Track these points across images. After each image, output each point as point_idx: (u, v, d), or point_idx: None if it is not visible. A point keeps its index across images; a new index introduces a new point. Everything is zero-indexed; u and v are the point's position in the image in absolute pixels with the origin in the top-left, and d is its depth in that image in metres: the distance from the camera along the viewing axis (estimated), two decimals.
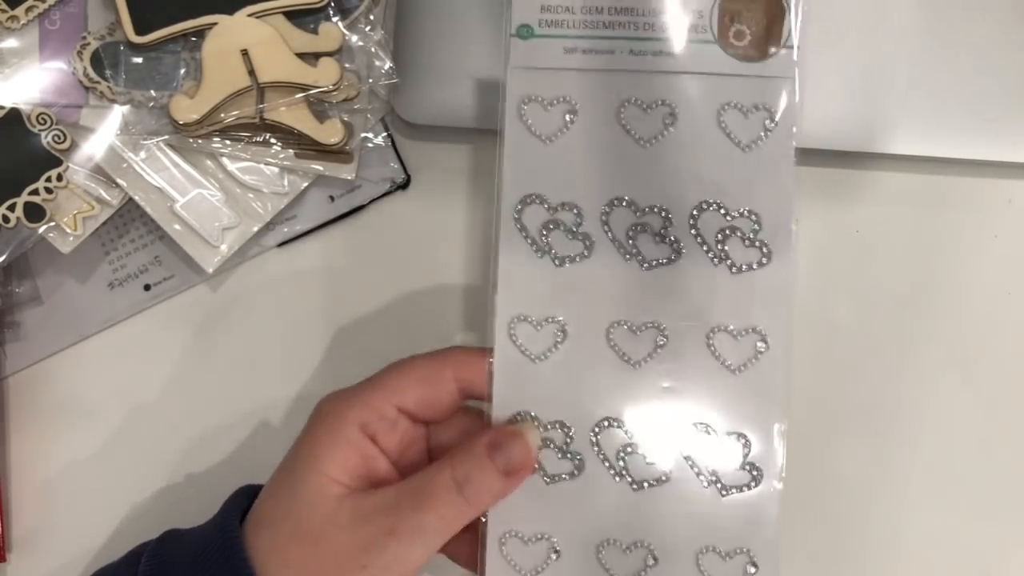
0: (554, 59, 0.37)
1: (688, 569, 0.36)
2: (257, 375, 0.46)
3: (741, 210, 0.37)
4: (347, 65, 0.44)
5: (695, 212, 0.37)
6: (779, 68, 0.36)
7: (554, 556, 0.36)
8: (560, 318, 0.37)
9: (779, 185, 0.36)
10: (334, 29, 0.44)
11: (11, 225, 0.42)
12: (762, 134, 0.36)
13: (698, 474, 0.37)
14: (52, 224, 0.42)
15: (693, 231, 0.37)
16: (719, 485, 0.36)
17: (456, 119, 0.45)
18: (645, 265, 0.37)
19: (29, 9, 0.43)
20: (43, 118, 0.42)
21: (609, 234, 0.37)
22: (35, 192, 0.42)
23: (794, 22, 0.36)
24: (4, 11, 0.43)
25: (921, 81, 0.45)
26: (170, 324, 0.46)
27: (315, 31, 0.43)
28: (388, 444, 0.36)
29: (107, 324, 0.46)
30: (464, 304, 0.46)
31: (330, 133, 0.43)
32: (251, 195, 0.45)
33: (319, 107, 0.44)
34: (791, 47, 0.36)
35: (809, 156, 0.45)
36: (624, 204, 0.37)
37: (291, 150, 0.44)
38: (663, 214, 0.37)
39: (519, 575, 0.37)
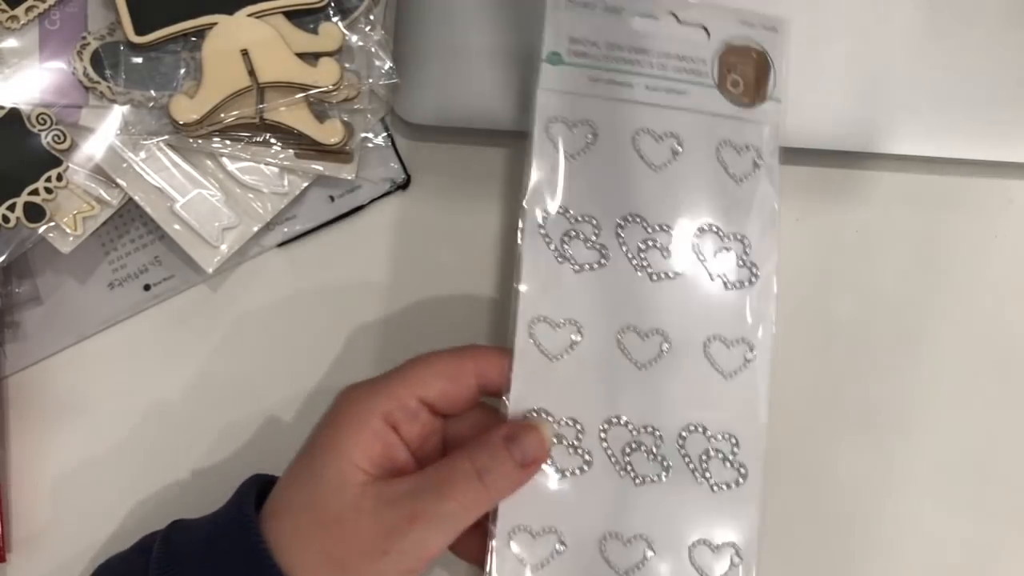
0: (580, 86, 0.41)
1: (681, 561, 0.39)
2: (257, 375, 0.46)
3: (735, 234, 0.41)
4: (347, 65, 0.44)
5: (697, 233, 0.41)
6: (766, 115, 0.41)
7: (560, 548, 0.38)
8: (577, 320, 0.39)
9: (765, 214, 0.41)
10: (334, 29, 0.44)
11: (11, 225, 0.42)
12: (752, 170, 0.41)
13: (693, 471, 0.39)
14: (52, 224, 0.42)
15: (694, 251, 0.40)
16: (711, 482, 0.39)
17: (456, 119, 0.45)
18: (654, 277, 0.40)
19: (29, 9, 0.43)
20: (43, 118, 0.42)
21: (623, 247, 0.40)
22: (35, 192, 0.42)
23: (776, 79, 0.42)
24: (4, 11, 0.43)
25: (921, 81, 0.45)
26: (170, 324, 0.46)
27: (315, 31, 0.43)
28: (409, 435, 0.37)
29: (107, 324, 0.46)
30: (464, 303, 0.46)
31: (330, 133, 0.43)
32: (251, 195, 0.45)
33: (319, 107, 0.44)
34: (776, 100, 0.42)
35: (809, 156, 0.45)
36: (636, 220, 0.40)
37: (291, 150, 0.44)
38: (670, 231, 0.40)
39: (525, 568, 0.38)
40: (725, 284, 0.40)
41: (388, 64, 0.45)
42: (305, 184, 0.45)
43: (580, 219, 0.40)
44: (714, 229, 0.40)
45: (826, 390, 0.46)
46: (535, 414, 0.38)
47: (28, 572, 0.45)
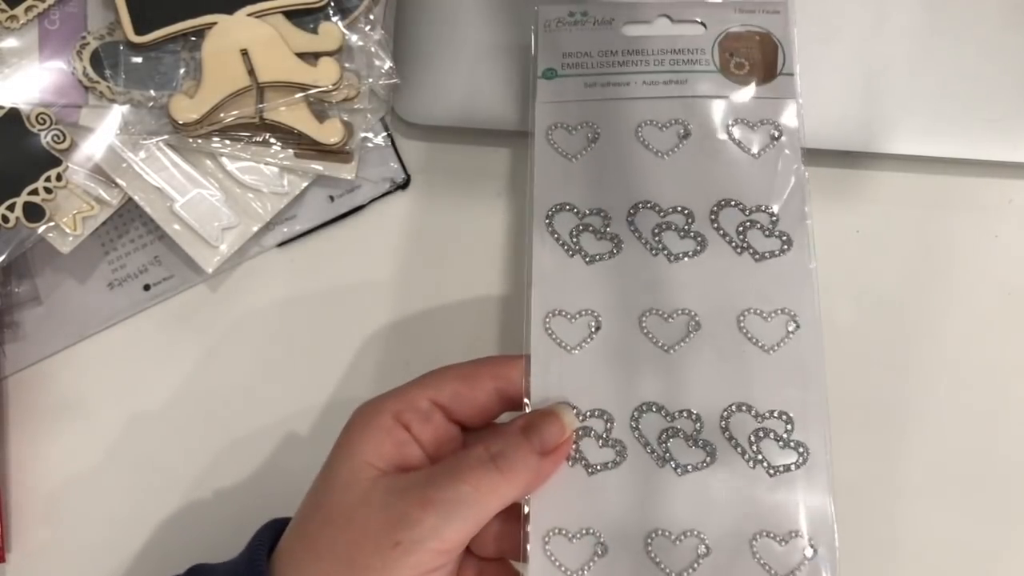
0: (576, 93, 0.41)
1: (743, 557, 0.36)
2: (256, 375, 0.46)
3: (758, 206, 0.39)
4: (347, 65, 0.44)
5: (715, 209, 0.39)
6: (779, 90, 0.41)
7: (601, 551, 0.36)
8: (594, 310, 0.38)
9: (790, 182, 0.40)
10: (334, 29, 0.44)
11: (11, 225, 0.42)
12: (770, 143, 0.40)
13: (743, 454, 0.37)
14: (52, 224, 0.42)
15: (715, 226, 0.39)
16: (765, 465, 0.36)
17: (456, 119, 0.45)
18: (672, 258, 0.39)
19: (29, 9, 0.43)
20: (43, 118, 0.42)
21: (636, 233, 0.39)
22: (35, 192, 0.42)
23: (786, 56, 0.41)
24: (4, 11, 0.43)
25: (921, 81, 0.45)
26: (170, 324, 0.46)
27: (315, 31, 0.43)
28: (422, 435, 0.36)
29: (107, 324, 0.46)
30: (464, 303, 0.46)
31: (330, 133, 0.43)
32: (251, 195, 0.45)
33: (319, 107, 0.44)
34: (789, 74, 0.41)
35: (809, 156, 0.45)
36: (648, 207, 0.40)
37: (291, 150, 0.44)
38: (685, 212, 0.39)
39: (565, 575, 0.36)
40: (754, 256, 0.39)
41: (388, 64, 0.45)
42: (305, 184, 0.45)
43: (588, 213, 0.40)
44: (734, 203, 0.39)
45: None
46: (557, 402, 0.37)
47: (28, 572, 0.45)
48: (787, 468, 0.36)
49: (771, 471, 0.36)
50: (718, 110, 0.41)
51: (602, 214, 0.40)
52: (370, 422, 0.36)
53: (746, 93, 0.41)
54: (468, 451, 0.35)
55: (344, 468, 0.35)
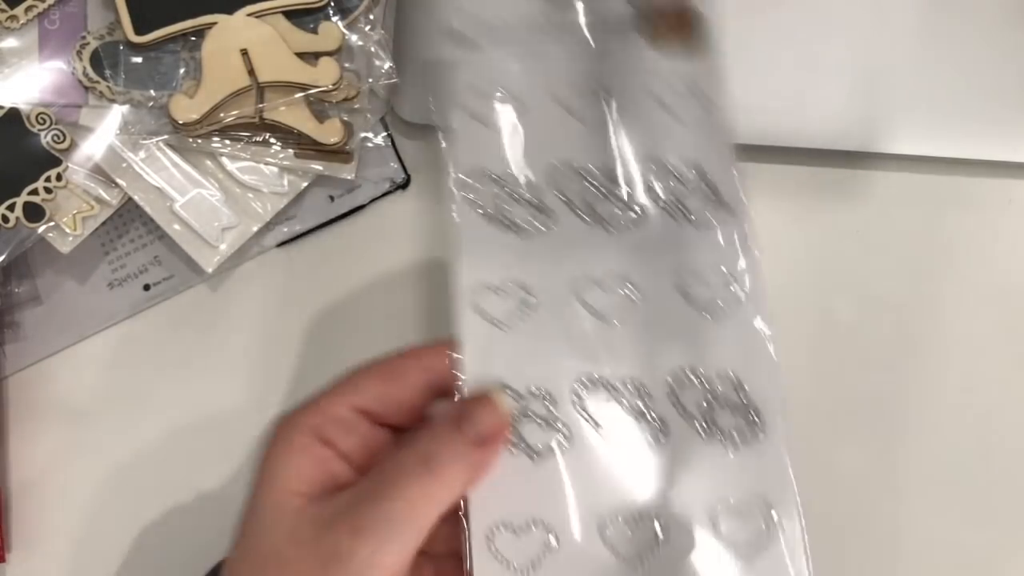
0: (500, 68, 0.39)
1: (702, 532, 0.34)
2: (256, 375, 0.46)
3: (689, 172, 0.37)
4: (347, 65, 0.44)
5: (649, 176, 0.37)
6: (696, 55, 0.39)
7: (553, 543, 0.33)
8: (525, 282, 0.35)
9: (720, 144, 0.38)
10: (334, 29, 0.44)
11: (11, 225, 0.42)
12: (697, 105, 0.38)
13: (696, 425, 0.35)
14: (52, 224, 0.42)
15: (651, 195, 0.37)
16: (719, 435, 0.35)
17: None
18: (610, 229, 0.37)
19: (29, 9, 0.43)
20: (42, 118, 0.42)
21: (568, 204, 0.37)
22: (34, 192, 0.42)
23: (709, 23, 0.39)
24: (4, 11, 0.43)
25: (921, 81, 0.45)
26: (170, 324, 0.46)
27: (315, 31, 0.43)
28: (347, 448, 0.33)
29: (107, 324, 0.46)
30: None
31: (330, 133, 0.43)
32: (251, 195, 0.45)
33: (319, 107, 0.44)
34: (710, 39, 0.39)
35: (809, 156, 0.45)
36: (579, 174, 0.37)
37: (291, 150, 0.44)
38: (616, 180, 0.37)
39: (515, 574, 0.33)
40: (693, 222, 0.37)
41: (388, 64, 0.45)
42: (305, 184, 0.45)
43: (519, 183, 0.37)
44: (668, 168, 0.37)
45: (825, 390, 0.46)
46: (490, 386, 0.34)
47: (28, 572, 0.45)
48: (742, 435, 0.35)
49: (725, 441, 0.35)
50: (643, 76, 0.38)
51: (530, 182, 0.37)
52: (287, 444, 0.32)
53: (670, 58, 0.38)
54: (396, 458, 0.31)
55: (268, 501, 0.32)
